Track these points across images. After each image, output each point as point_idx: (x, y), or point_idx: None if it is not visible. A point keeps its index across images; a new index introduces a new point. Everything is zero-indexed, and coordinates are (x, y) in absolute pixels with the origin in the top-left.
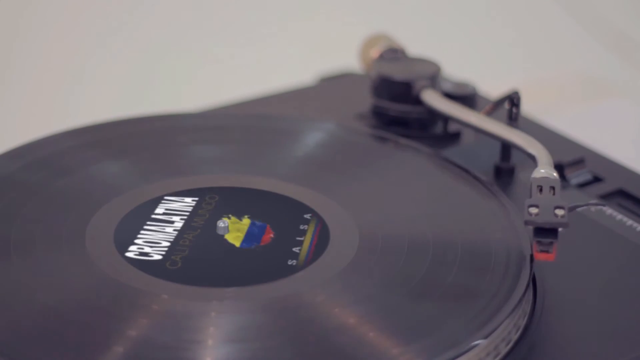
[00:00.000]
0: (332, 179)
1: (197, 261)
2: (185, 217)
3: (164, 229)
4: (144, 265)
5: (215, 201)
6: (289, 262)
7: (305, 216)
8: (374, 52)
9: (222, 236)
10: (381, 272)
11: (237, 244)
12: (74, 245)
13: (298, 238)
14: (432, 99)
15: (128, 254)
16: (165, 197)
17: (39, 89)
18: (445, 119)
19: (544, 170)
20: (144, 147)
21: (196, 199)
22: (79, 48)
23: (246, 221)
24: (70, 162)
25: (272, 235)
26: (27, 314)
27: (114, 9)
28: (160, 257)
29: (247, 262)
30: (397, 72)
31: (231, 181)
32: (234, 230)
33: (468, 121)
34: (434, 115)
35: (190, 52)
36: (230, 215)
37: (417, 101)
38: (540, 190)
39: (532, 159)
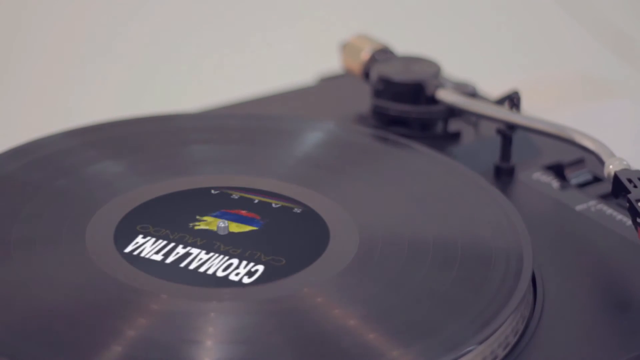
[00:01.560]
0: (332, 179)
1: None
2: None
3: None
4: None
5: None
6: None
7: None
8: (365, 55)
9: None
10: (381, 272)
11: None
12: (74, 245)
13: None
14: (452, 97)
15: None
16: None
17: (39, 89)
18: (446, 118)
19: (619, 162)
20: (144, 147)
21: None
22: (79, 48)
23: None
24: (70, 162)
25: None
26: (27, 313)
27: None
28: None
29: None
30: (403, 73)
31: (232, 181)
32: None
33: (499, 117)
34: (453, 114)
35: (190, 52)
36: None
37: (429, 101)
38: (630, 181)
39: (587, 151)
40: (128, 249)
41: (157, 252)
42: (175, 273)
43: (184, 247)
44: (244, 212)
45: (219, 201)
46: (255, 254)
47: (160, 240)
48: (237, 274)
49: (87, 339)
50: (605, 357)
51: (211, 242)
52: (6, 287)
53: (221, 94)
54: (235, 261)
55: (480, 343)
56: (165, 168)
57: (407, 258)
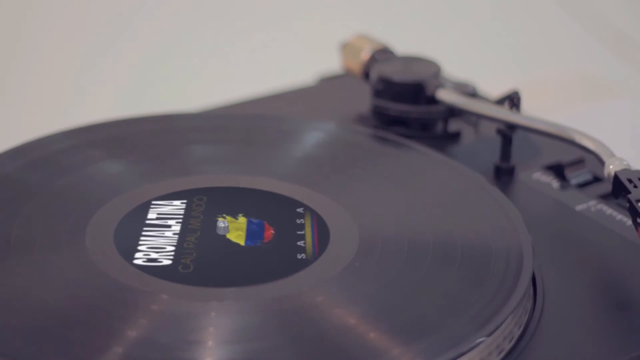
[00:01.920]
0: (332, 179)
1: (208, 263)
2: (180, 220)
3: (163, 233)
4: (144, 265)
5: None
6: (299, 256)
7: (298, 210)
8: (365, 55)
9: (224, 236)
10: (381, 271)
11: (242, 242)
12: (74, 245)
13: (299, 232)
14: (452, 97)
15: (128, 254)
16: (154, 202)
17: (39, 89)
18: (446, 118)
19: (619, 162)
20: (144, 147)
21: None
22: (79, 48)
23: (242, 219)
24: (70, 162)
25: (272, 232)
26: (27, 313)
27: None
28: (159, 256)
29: (258, 260)
30: (403, 73)
31: (231, 181)
32: (233, 229)
33: (499, 117)
34: (453, 114)
35: (190, 52)
36: (224, 215)
37: (429, 101)
38: (631, 182)
39: (587, 151)
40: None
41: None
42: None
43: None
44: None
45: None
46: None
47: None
48: None
49: (87, 339)
50: (605, 357)
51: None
52: (6, 287)
53: (221, 94)
54: None
55: (480, 342)
56: (165, 168)
57: (407, 258)
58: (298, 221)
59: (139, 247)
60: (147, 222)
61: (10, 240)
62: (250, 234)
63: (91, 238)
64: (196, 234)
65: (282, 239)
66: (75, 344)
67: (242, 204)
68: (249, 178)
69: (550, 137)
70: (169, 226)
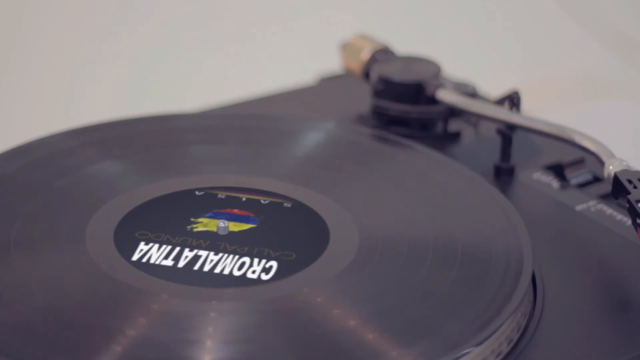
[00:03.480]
0: (332, 179)
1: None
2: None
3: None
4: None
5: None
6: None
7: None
8: (365, 55)
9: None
10: (381, 272)
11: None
12: (74, 245)
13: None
14: (452, 97)
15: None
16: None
17: (39, 89)
18: (446, 118)
19: (618, 163)
20: (144, 147)
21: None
22: (79, 48)
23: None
24: (70, 162)
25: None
26: (27, 313)
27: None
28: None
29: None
30: (403, 73)
31: (232, 181)
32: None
33: (499, 118)
34: (453, 114)
35: (190, 52)
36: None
37: (429, 101)
38: (630, 182)
39: (587, 151)
40: (128, 249)
41: (157, 252)
42: (177, 273)
43: (190, 250)
44: (236, 211)
45: (219, 201)
46: (263, 251)
47: (160, 240)
48: (253, 272)
49: (87, 339)
50: (605, 357)
51: (215, 243)
52: (6, 287)
53: (221, 94)
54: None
55: (480, 343)
56: (165, 168)
57: (407, 258)
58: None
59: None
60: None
61: (10, 240)
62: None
63: (91, 238)
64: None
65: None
66: (75, 344)
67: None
68: (250, 178)
69: (550, 137)
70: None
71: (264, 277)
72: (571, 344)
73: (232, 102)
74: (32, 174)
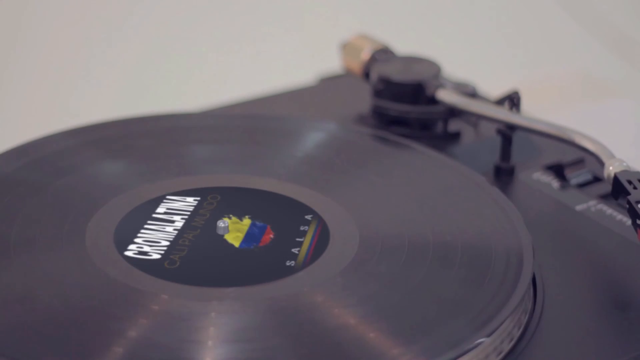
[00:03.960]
0: (332, 178)
1: (195, 261)
2: (186, 217)
3: (164, 228)
4: (143, 264)
5: (217, 201)
6: (287, 263)
7: (306, 217)
8: (365, 55)
9: (222, 236)
10: (381, 272)
11: (237, 244)
12: (74, 245)
13: (298, 239)
14: (452, 97)
15: (127, 253)
16: (167, 197)
17: (39, 89)
18: (446, 118)
19: (618, 163)
20: (144, 147)
21: (198, 198)
22: (79, 48)
23: (247, 222)
24: (70, 162)
25: (272, 236)
26: (27, 313)
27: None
28: (158, 256)
29: (245, 262)
30: (403, 73)
31: (232, 181)
32: (234, 230)
33: (500, 118)
34: (453, 114)
35: (191, 52)
36: (231, 216)
37: (429, 101)
38: (630, 183)
39: (587, 152)
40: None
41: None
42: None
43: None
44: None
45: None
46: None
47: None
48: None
49: (87, 339)
50: (605, 357)
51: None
52: (6, 287)
53: (221, 94)
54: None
55: (480, 342)
56: (165, 168)
57: (407, 258)
58: (302, 228)
59: (135, 240)
60: (154, 215)
61: (10, 240)
62: (248, 237)
63: (91, 238)
64: (195, 232)
65: (278, 244)
66: (75, 344)
67: (250, 205)
68: (250, 178)
69: (550, 138)
70: (173, 222)
71: None
72: (571, 343)
73: (232, 102)
74: (32, 174)
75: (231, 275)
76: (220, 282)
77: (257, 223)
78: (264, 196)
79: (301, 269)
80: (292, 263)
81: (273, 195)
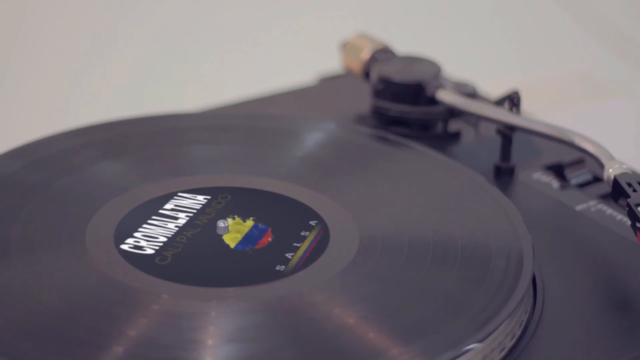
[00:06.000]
0: (332, 178)
1: (186, 259)
2: (191, 215)
3: (166, 224)
4: (135, 259)
5: (226, 201)
6: (277, 268)
7: (310, 222)
8: (365, 55)
9: (220, 236)
10: (381, 272)
11: (232, 245)
12: (74, 245)
13: (295, 244)
14: (452, 98)
15: (123, 247)
16: (179, 194)
17: (39, 89)
18: (446, 118)
19: (618, 166)
20: (144, 147)
21: (208, 197)
22: (79, 48)
23: (249, 223)
24: (70, 162)
25: (270, 239)
26: (27, 313)
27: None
28: (152, 251)
29: (236, 264)
30: (403, 73)
31: (231, 181)
32: (233, 231)
33: (500, 119)
34: (453, 114)
35: (190, 52)
36: (235, 216)
37: (429, 101)
38: (630, 186)
39: (587, 154)
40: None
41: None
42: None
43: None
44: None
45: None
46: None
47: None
48: None
49: (87, 339)
50: (605, 357)
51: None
52: (6, 287)
53: (221, 94)
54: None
55: (480, 342)
56: (165, 168)
57: (407, 258)
58: (303, 233)
59: (135, 234)
60: (160, 211)
61: (10, 240)
62: (246, 238)
63: (91, 238)
64: (196, 230)
65: (274, 248)
66: (75, 344)
67: (257, 207)
68: (250, 178)
69: (550, 139)
70: (177, 219)
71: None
72: (571, 343)
73: (232, 102)
74: (32, 174)
75: (223, 276)
76: (222, 282)
77: (260, 225)
78: (273, 198)
79: (289, 274)
80: (282, 268)
81: (282, 198)
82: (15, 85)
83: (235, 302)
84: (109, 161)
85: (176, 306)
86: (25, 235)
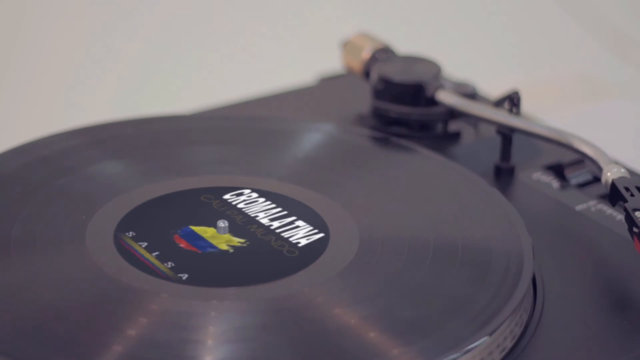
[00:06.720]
0: (332, 179)
1: (187, 259)
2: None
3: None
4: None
5: (227, 201)
6: (277, 267)
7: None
8: (365, 54)
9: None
10: (381, 272)
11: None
12: (74, 245)
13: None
14: (452, 99)
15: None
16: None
17: (39, 89)
18: (446, 119)
19: (616, 170)
20: (144, 147)
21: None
22: (78, 48)
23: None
24: (70, 162)
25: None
26: (27, 313)
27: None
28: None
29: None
30: (403, 74)
31: (231, 182)
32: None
33: (499, 121)
34: (453, 115)
35: (190, 52)
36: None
37: (429, 102)
38: (628, 190)
39: (585, 157)
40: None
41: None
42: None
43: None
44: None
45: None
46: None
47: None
48: None
49: (87, 339)
50: (605, 357)
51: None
52: (6, 287)
53: (221, 94)
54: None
55: (480, 342)
56: (164, 168)
57: (407, 258)
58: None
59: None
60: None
61: (10, 239)
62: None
63: (91, 238)
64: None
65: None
66: (75, 344)
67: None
68: (250, 178)
69: (548, 141)
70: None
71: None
72: (571, 343)
73: (232, 102)
74: (32, 174)
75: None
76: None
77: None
78: (274, 198)
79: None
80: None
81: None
82: (16, 85)
83: (235, 302)
84: (108, 161)
85: (176, 306)
86: (26, 234)
